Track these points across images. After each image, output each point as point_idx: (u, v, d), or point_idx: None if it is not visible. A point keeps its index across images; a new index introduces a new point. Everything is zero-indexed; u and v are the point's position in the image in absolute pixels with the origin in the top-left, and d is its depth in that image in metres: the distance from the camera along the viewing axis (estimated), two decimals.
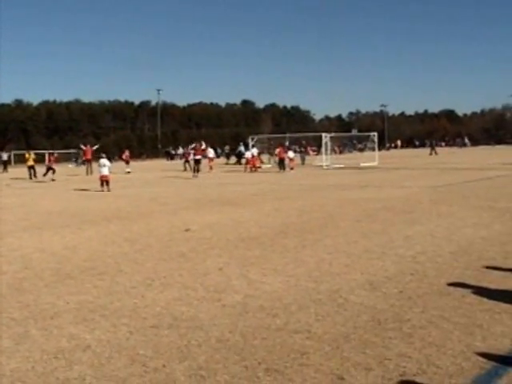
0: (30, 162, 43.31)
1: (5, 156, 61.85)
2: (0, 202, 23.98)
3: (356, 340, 6.03)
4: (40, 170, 41.79)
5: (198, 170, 38.41)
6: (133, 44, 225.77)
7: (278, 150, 44.78)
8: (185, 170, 44.79)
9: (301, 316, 6.85)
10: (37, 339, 6.35)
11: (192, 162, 41.00)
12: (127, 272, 9.45)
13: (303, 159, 53.06)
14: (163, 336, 6.28)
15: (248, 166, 43.44)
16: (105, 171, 28.53)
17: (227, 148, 56.14)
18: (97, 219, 16.70)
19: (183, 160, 48.98)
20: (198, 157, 39.55)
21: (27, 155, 44.74)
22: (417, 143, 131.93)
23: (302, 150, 56.58)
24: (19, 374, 5.39)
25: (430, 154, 70.35)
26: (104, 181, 28.25)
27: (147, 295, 7.94)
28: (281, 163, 42.48)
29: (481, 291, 7.72)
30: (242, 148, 53.32)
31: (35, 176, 42.00)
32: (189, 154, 45.79)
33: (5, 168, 58.44)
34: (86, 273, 9.50)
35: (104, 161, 29.36)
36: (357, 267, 9.35)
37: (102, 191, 27.56)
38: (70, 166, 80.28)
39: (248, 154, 45.51)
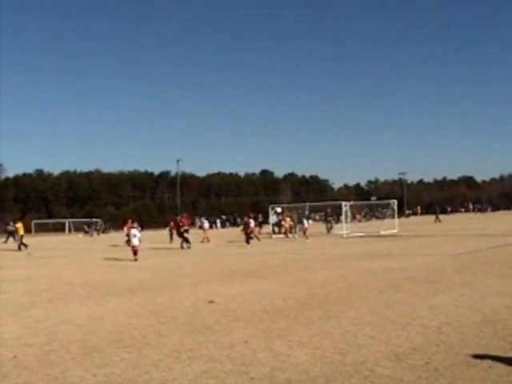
0: (21, 232, 43.61)
1: (11, 227, 62.37)
2: (23, 272, 24.19)
3: None
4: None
5: (186, 241, 37.87)
6: (152, 115, 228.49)
7: (244, 220, 43.29)
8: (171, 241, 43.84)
9: None
10: None
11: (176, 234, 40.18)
12: (154, 344, 9.51)
13: (329, 228, 52.30)
14: None
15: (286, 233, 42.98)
16: (135, 242, 28.89)
17: (260, 216, 55.52)
18: (120, 290, 16.80)
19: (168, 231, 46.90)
20: (186, 227, 38.79)
21: (18, 225, 45.05)
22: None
23: (329, 218, 55.57)
24: None
25: (435, 221, 70.32)
26: (134, 251, 28.59)
27: (175, 368, 7.99)
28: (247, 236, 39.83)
29: (508, 361, 7.71)
30: (273, 217, 52.87)
31: (25, 246, 42.25)
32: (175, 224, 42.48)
33: (11, 238, 58.59)
34: (113, 345, 9.57)
35: (134, 231, 29.74)
36: (382, 338, 9.36)
37: (136, 260, 28.08)
38: (80, 236, 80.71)
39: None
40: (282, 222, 44.37)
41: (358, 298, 13.77)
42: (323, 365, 7.92)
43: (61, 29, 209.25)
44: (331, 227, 51.61)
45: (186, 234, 37.90)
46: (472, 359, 7.94)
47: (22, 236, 43.26)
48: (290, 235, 42.79)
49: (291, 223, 47.95)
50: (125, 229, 43.29)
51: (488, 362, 7.77)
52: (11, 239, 57.81)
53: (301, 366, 7.92)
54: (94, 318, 12.25)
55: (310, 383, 7.12)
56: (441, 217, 75.15)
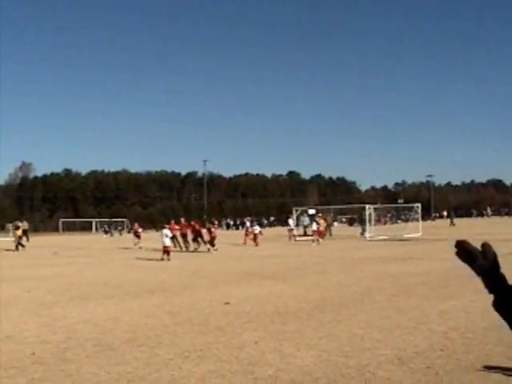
0: (19, 233, 44.14)
1: (26, 225, 63.13)
2: (48, 271, 24.65)
3: None
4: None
5: (187, 245, 37.99)
6: (180, 115, 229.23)
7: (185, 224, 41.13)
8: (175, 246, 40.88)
9: None
10: None
11: (180, 239, 39.10)
12: (166, 344, 9.83)
13: (363, 231, 50.41)
14: None
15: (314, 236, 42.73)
16: (166, 242, 29.30)
17: (294, 218, 55.29)
18: (139, 291, 17.16)
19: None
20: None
21: (18, 224, 45.64)
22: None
23: (363, 220, 52.34)
24: None
25: (450, 225, 70.03)
26: (166, 251, 29.02)
27: (184, 367, 8.30)
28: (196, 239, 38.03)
29: (509, 369, 7.91)
30: (306, 219, 52.53)
31: (22, 246, 42.78)
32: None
33: (27, 237, 59.27)
34: (127, 344, 9.91)
35: (166, 231, 30.16)
36: (388, 342, 9.59)
37: (162, 260, 28.88)
38: (105, 235, 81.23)
39: (314, 226, 44.39)
40: (316, 225, 43.72)
41: (370, 301, 14.00)
42: (327, 367, 8.19)
43: (88, 21, 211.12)
44: (364, 230, 50.18)
45: (199, 239, 37.80)
46: (473, 365, 8.15)
47: (19, 236, 43.71)
48: (317, 239, 42.15)
49: (325, 225, 47.89)
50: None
51: (488, 367, 7.98)
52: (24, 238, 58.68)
53: (305, 367, 8.20)
54: (111, 318, 12.61)
55: None
56: (466, 221, 74.87)
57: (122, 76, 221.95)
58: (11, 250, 41.98)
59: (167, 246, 29.41)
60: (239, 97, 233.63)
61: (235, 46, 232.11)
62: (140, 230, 44.32)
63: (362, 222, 51.75)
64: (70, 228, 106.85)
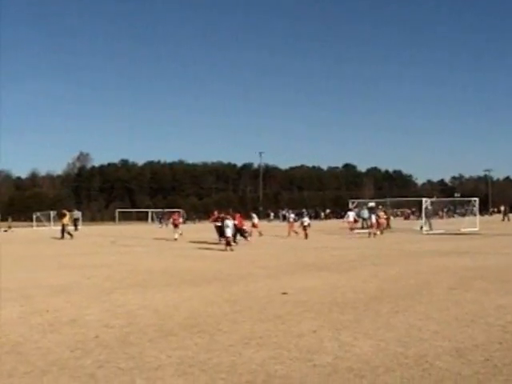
0: (65, 221, 44.82)
1: (77, 214, 64.19)
2: (106, 259, 25.10)
3: None
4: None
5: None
6: (236, 107, 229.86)
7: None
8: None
9: (387, 378, 7.21)
10: None
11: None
12: (226, 331, 9.99)
13: (428, 224, 48.80)
14: None
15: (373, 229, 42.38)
16: (228, 232, 29.57)
17: (356, 211, 54.62)
18: (197, 280, 17.38)
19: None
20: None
21: (65, 212, 46.36)
22: None
23: (428, 214, 50.97)
24: None
25: (503, 219, 68.99)
26: (227, 242, 29.41)
27: (244, 353, 8.45)
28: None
29: None
30: (365, 211, 51.96)
31: (70, 235, 43.47)
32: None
33: (76, 226, 60.23)
34: (187, 330, 10.09)
35: (228, 222, 30.38)
36: (445, 334, 9.60)
37: (226, 251, 28.95)
38: (159, 226, 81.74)
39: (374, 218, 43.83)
40: (376, 218, 43.29)
41: (427, 294, 13.96)
42: (385, 356, 8.25)
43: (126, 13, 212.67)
44: (429, 224, 49.19)
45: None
46: None
47: (65, 225, 44.41)
48: (375, 232, 41.60)
49: (385, 218, 47.60)
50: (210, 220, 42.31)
51: None
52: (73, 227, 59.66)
53: (363, 356, 8.27)
54: (171, 305, 12.81)
55: (370, 372, 7.46)
56: None
57: (180, 68, 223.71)
58: (69, 238, 42.78)
59: (228, 237, 29.63)
60: (296, 89, 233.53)
61: (297, 39, 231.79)
62: (180, 220, 44.27)
63: (425, 216, 50.42)
64: (126, 218, 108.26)
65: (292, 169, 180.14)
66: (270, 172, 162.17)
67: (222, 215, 34.46)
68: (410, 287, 15.21)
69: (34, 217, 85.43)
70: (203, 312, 11.89)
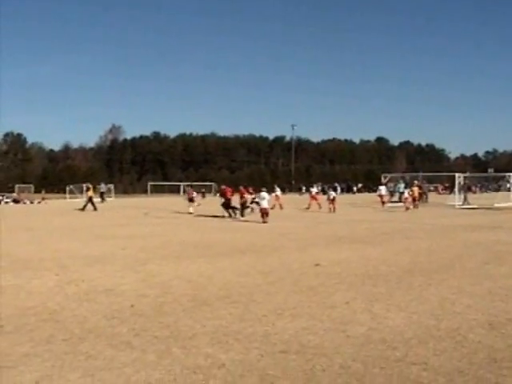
0: (90, 194, 45.27)
1: (104, 188, 64.68)
2: (140, 230, 25.32)
3: (470, 375, 6.38)
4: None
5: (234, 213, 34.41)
6: (269, 79, 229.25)
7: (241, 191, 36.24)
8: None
9: (419, 350, 7.26)
10: (177, 356, 7.06)
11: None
12: (259, 302, 10.10)
13: (464, 199, 48.82)
14: (291, 360, 6.86)
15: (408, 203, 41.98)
16: (264, 204, 29.64)
17: (391, 186, 54.02)
18: (231, 251, 17.51)
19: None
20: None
21: (90, 186, 46.87)
22: None
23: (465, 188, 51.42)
24: None
25: None
26: (264, 213, 29.47)
27: (277, 323, 8.54)
28: (227, 207, 34.64)
29: None
30: (402, 185, 51.19)
31: (94, 207, 43.78)
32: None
33: (102, 199, 60.71)
34: (221, 300, 10.22)
35: (264, 194, 30.46)
36: (478, 308, 9.61)
37: (265, 222, 29.03)
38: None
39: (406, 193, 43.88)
40: (410, 192, 43.05)
41: (460, 268, 13.95)
42: (418, 328, 8.29)
43: None
44: (464, 198, 49.03)
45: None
46: None
47: (90, 197, 44.88)
48: (408, 206, 41.32)
49: (421, 192, 47.21)
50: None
51: None
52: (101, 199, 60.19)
53: (396, 328, 8.32)
54: (205, 276, 12.95)
55: (403, 344, 7.51)
56: None
57: (213, 40, 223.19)
58: (92, 210, 43.18)
59: (265, 208, 29.67)
60: (328, 62, 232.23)
61: (330, 12, 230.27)
62: (194, 194, 43.85)
63: (460, 191, 50.01)
64: (158, 191, 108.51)
65: (324, 142, 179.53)
66: (301, 145, 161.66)
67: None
68: (443, 261, 15.20)
69: (68, 189, 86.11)
70: (237, 283, 12.02)
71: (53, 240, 21.31)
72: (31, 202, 68.64)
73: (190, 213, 39.00)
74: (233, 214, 33.70)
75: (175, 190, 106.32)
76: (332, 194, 40.94)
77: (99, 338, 7.84)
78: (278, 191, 45.97)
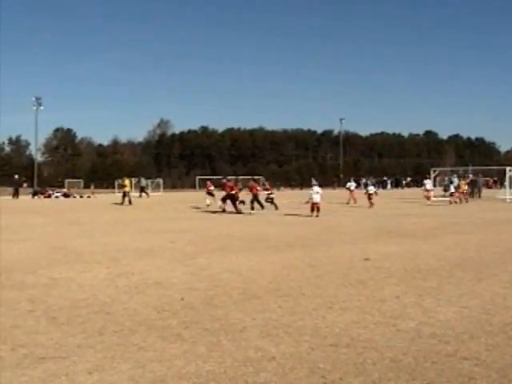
0: (127, 189, 45.43)
1: (144, 182, 64.88)
2: (188, 224, 25.48)
3: None
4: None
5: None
6: (316, 73, 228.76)
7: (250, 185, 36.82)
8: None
9: (471, 345, 7.19)
10: (227, 348, 7.09)
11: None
12: (309, 295, 10.09)
13: None
14: (341, 353, 6.84)
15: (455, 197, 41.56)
16: (317, 198, 29.60)
17: (446, 180, 52.99)
18: (280, 245, 17.51)
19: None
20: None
21: (125, 181, 46.94)
22: None
23: None
24: (213, 376, 6.13)
25: None
26: (315, 207, 29.46)
27: (327, 317, 8.53)
28: (254, 202, 34.20)
29: None
30: (455, 180, 50.03)
31: (130, 203, 44.06)
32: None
33: (143, 193, 60.89)
34: (271, 294, 10.23)
35: (317, 188, 30.37)
36: None
37: (311, 216, 29.00)
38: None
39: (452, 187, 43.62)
40: (456, 187, 42.46)
41: None
42: (469, 323, 8.21)
43: None
44: None
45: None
46: None
47: (127, 192, 45.15)
48: (455, 200, 40.87)
49: (466, 188, 46.64)
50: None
51: None
52: (143, 194, 60.38)
53: (447, 322, 8.25)
54: (254, 269, 12.98)
55: (454, 339, 7.44)
56: None
57: (262, 35, 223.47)
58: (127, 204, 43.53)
59: (317, 203, 29.56)
60: (376, 56, 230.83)
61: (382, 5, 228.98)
62: (212, 188, 43.29)
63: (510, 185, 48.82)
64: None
65: (372, 136, 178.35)
66: (350, 139, 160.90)
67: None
68: (494, 255, 15.03)
69: (116, 183, 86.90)
70: (286, 276, 12.02)
71: (103, 233, 21.55)
72: (81, 197, 69.41)
73: (208, 205, 39.35)
74: (238, 208, 33.06)
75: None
76: (371, 188, 40.67)
77: (150, 330, 7.91)
78: (353, 185, 45.81)
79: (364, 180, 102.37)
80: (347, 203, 42.48)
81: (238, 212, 32.47)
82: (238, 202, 33.32)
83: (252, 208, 33.16)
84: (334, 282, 11.30)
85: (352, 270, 12.68)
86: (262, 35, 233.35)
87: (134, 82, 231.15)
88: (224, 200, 34.18)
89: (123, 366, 6.46)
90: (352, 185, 45.75)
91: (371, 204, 38.36)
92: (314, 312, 8.84)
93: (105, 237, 20.20)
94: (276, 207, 36.15)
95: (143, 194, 60.25)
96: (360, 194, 44.63)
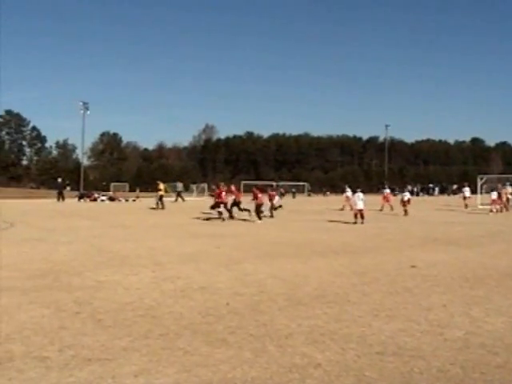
0: (162, 193, 45.28)
1: (179, 187, 64.91)
2: (233, 229, 25.48)
3: None
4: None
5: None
6: (361, 82, 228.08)
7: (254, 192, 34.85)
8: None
9: None
10: (273, 354, 7.06)
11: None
12: (355, 302, 10.03)
13: None
14: (388, 362, 6.77)
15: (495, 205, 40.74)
16: (361, 205, 29.45)
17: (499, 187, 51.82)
18: (325, 251, 17.44)
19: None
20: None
21: (160, 185, 46.65)
22: None
23: None
24: (259, 382, 6.12)
25: None
26: (359, 214, 29.27)
27: (373, 324, 8.46)
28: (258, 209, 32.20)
29: None
30: (509, 188, 48.70)
31: (162, 207, 43.88)
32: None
33: (179, 198, 60.77)
34: (316, 300, 10.18)
35: (360, 194, 30.18)
36: None
37: (355, 223, 28.70)
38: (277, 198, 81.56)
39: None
40: (497, 195, 41.38)
41: None
42: None
43: None
44: None
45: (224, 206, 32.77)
46: None
47: (161, 196, 44.98)
48: (496, 208, 40.12)
49: (509, 196, 45.79)
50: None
51: None
52: (179, 199, 60.33)
53: (496, 332, 8.12)
54: (299, 275, 12.93)
55: (504, 350, 7.31)
56: None
57: (307, 44, 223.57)
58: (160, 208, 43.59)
59: (361, 209, 29.35)
60: (423, 63, 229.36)
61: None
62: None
63: None
64: (251, 190, 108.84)
65: (418, 142, 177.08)
66: (395, 146, 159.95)
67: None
68: None
69: None
70: (332, 283, 11.96)
71: (148, 237, 21.67)
72: (126, 200, 69.87)
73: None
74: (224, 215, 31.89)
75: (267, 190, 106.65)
76: (406, 195, 39.67)
77: (195, 334, 7.92)
78: (349, 192, 45.26)
79: (409, 187, 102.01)
80: (380, 210, 41.67)
81: (231, 217, 32.04)
82: (242, 209, 32.80)
83: (259, 217, 31.40)
84: (381, 290, 11.22)
85: (398, 278, 12.58)
86: (312, 44, 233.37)
87: (180, 88, 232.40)
88: (214, 207, 32.91)
89: (169, 370, 6.47)
90: (386, 191, 45.13)
91: (405, 212, 37.30)
92: (360, 319, 8.78)
93: (150, 240, 20.31)
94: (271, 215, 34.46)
95: (179, 199, 60.27)
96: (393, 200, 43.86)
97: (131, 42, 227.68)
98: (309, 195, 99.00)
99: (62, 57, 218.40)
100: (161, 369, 6.52)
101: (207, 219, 31.66)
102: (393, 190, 60.40)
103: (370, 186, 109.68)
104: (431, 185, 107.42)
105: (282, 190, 43.26)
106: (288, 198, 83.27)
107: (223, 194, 33.15)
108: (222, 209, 32.08)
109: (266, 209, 33.61)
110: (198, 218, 33.03)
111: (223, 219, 30.80)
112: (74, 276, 12.65)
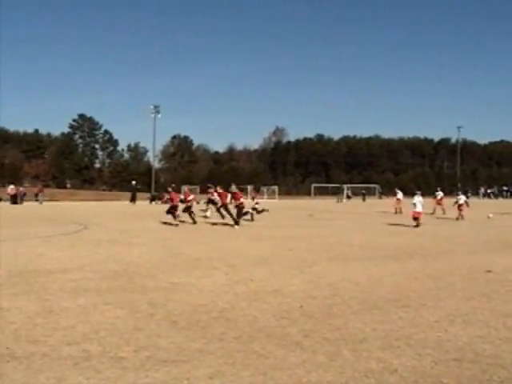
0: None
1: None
2: (305, 232, 25.44)
3: None
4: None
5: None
6: (432, 84, 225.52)
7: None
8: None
9: None
10: (348, 358, 7.00)
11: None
12: (430, 306, 9.89)
13: None
14: (465, 369, 6.63)
15: None
16: (419, 208, 29.11)
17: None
18: (398, 254, 17.28)
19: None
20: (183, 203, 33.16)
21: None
22: None
23: None
24: None
25: None
26: (416, 217, 28.93)
27: (450, 330, 8.32)
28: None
29: None
30: None
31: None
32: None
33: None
34: (391, 304, 10.08)
35: (419, 198, 29.80)
36: None
37: (417, 226, 28.33)
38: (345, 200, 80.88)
39: None
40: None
41: None
42: None
43: None
44: None
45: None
46: None
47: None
48: None
49: None
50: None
51: None
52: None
53: None
54: (373, 279, 12.82)
55: None
56: None
57: (381, 50, 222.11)
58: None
59: (419, 212, 28.99)
60: (496, 65, 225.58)
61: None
62: (215, 196, 39.42)
63: None
64: (321, 193, 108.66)
65: (491, 144, 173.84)
66: (467, 147, 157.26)
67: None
68: None
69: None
70: (406, 287, 11.83)
71: (219, 239, 21.76)
72: (197, 203, 70.34)
73: (206, 217, 37.34)
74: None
75: (339, 193, 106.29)
76: (461, 198, 37.89)
77: (269, 337, 7.90)
78: (400, 194, 44.64)
79: (482, 189, 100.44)
80: (432, 213, 40.63)
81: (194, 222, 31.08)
82: (242, 213, 30.40)
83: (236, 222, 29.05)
84: (456, 294, 11.04)
85: (474, 282, 12.38)
86: (388, 48, 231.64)
87: (250, 90, 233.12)
88: (169, 212, 31.50)
89: (244, 373, 6.47)
90: (440, 194, 44.25)
91: (461, 216, 35.96)
92: (436, 324, 8.65)
93: (221, 243, 20.41)
94: (252, 219, 33.12)
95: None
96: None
97: (200, 47, 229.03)
98: (380, 197, 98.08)
99: (132, 62, 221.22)
100: (236, 371, 6.52)
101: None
102: (465, 193, 59.31)
103: (442, 188, 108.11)
104: (505, 187, 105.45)
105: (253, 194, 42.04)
106: (357, 200, 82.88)
107: (177, 197, 32.58)
108: (178, 212, 31.09)
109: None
110: (271, 220, 33.01)
111: (177, 224, 29.22)
112: (148, 277, 12.78)
